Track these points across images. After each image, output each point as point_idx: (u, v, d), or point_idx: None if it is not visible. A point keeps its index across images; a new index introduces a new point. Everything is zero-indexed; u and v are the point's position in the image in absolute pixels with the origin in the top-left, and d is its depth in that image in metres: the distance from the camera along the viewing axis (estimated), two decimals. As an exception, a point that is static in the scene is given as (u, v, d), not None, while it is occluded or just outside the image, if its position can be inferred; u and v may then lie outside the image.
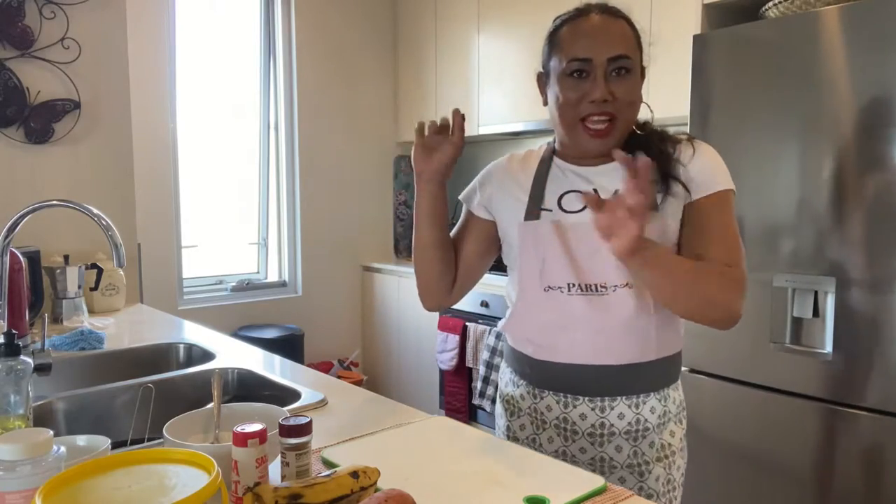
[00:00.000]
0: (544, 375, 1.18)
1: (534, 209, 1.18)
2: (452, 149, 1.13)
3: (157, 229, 3.18)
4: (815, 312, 1.89)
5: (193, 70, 3.38)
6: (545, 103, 1.19)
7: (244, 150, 3.66)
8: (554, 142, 1.25)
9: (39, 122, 2.16)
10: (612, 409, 1.14)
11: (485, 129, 3.40)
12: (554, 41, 1.14)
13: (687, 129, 2.16)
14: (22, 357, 0.93)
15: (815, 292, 1.89)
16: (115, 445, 0.93)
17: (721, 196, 1.11)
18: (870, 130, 1.77)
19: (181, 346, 1.77)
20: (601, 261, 1.11)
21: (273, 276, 3.76)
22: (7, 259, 1.34)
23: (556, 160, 1.22)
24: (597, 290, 1.12)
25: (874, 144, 1.76)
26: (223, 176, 3.59)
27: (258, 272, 3.77)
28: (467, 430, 1.08)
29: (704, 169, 1.12)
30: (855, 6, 1.78)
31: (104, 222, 1.33)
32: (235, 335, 3.33)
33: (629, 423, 1.14)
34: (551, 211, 1.17)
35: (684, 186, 1.11)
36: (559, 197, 1.17)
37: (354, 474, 0.79)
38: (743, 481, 2.05)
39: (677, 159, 1.13)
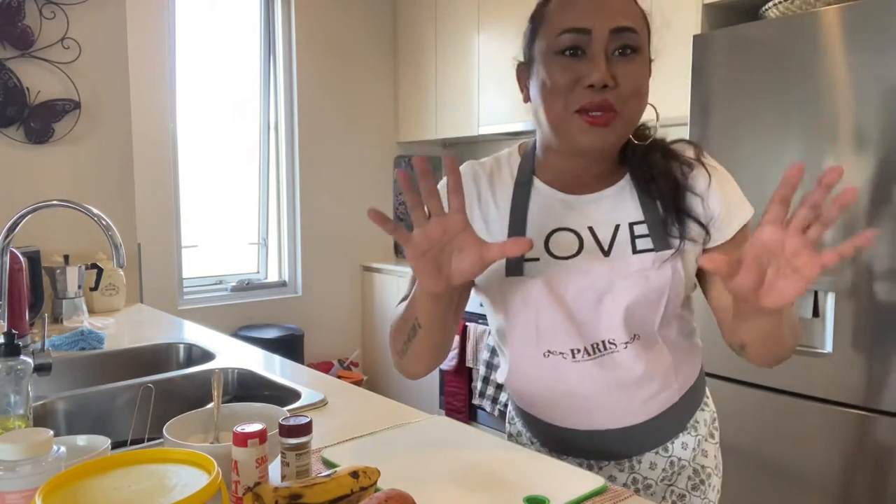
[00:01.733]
0: (561, 441, 1.02)
1: (516, 259, 0.94)
2: (477, 256, 0.77)
3: (157, 229, 3.19)
4: (815, 312, 1.89)
5: (193, 70, 3.38)
6: (525, 99, 0.96)
7: (244, 150, 3.66)
8: (532, 151, 1.00)
9: (39, 122, 2.16)
10: (641, 463, 1.01)
11: (485, 130, 3.40)
12: (539, 17, 0.91)
13: (687, 129, 2.16)
14: (22, 357, 0.93)
15: (815, 292, 1.89)
16: (115, 445, 0.92)
17: (744, 230, 0.96)
18: (869, 130, 1.77)
19: (181, 346, 1.77)
20: (606, 314, 0.93)
21: (273, 276, 3.76)
22: (7, 259, 1.34)
23: (537, 184, 0.97)
24: (605, 348, 0.94)
25: (874, 144, 1.76)
26: (223, 176, 3.58)
27: (258, 272, 3.77)
28: (467, 430, 1.08)
29: (724, 202, 0.94)
30: (855, 6, 1.78)
31: (104, 222, 1.33)
32: (235, 335, 3.33)
33: (663, 470, 1.01)
34: (538, 260, 0.94)
35: (703, 227, 0.93)
36: (546, 237, 0.95)
37: (354, 474, 0.79)
38: (741, 481, 2.05)
39: (691, 189, 0.94)
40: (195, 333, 1.89)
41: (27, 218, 1.32)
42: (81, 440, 0.89)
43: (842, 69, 1.81)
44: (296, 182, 3.68)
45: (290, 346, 3.34)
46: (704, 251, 0.96)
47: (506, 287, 0.95)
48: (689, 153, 0.97)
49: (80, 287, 2.09)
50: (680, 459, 1.02)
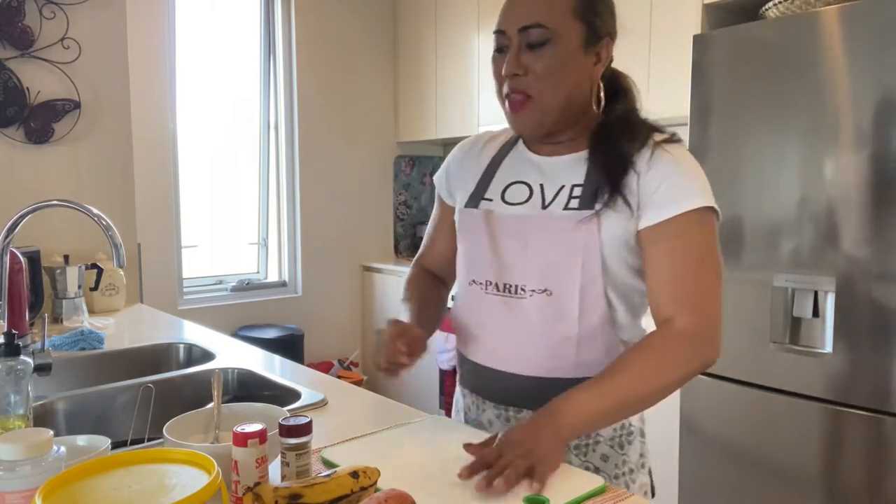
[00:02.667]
0: (466, 375, 1.16)
1: (476, 196, 1.11)
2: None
3: (157, 229, 3.18)
4: (815, 312, 1.89)
5: (193, 70, 3.38)
6: None
7: (244, 150, 3.66)
8: None
9: (39, 122, 2.16)
10: (519, 421, 1.05)
11: (485, 129, 3.39)
12: None
13: (687, 129, 2.16)
14: (22, 357, 0.93)
15: (815, 292, 1.89)
16: (115, 445, 0.92)
17: (685, 219, 0.94)
18: (869, 130, 1.77)
19: (181, 346, 1.77)
20: (525, 261, 1.02)
21: (273, 276, 3.76)
22: (7, 259, 1.34)
23: (519, 145, 1.13)
24: (515, 291, 1.03)
25: (874, 144, 1.76)
26: (223, 176, 3.58)
27: (258, 272, 3.77)
28: (467, 430, 1.08)
29: (664, 184, 0.96)
30: (855, 6, 1.78)
31: (104, 222, 1.33)
32: (235, 335, 3.33)
33: None
34: (492, 200, 1.09)
35: (626, 201, 0.97)
36: (505, 187, 1.09)
37: (354, 474, 0.79)
38: (742, 481, 2.05)
39: (633, 166, 0.98)
40: (195, 333, 1.89)
41: (27, 218, 1.32)
42: (81, 440, 0.90)
43: (842, 69, 1.81)
44: (296, 182, 3.68)
45: (290, 346, 3.34)
46: (639, 233, 0.98)
47: (461, 217, 1.13)
48: (657, 137, 1.01)
49: (80, 287, 2.09)
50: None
